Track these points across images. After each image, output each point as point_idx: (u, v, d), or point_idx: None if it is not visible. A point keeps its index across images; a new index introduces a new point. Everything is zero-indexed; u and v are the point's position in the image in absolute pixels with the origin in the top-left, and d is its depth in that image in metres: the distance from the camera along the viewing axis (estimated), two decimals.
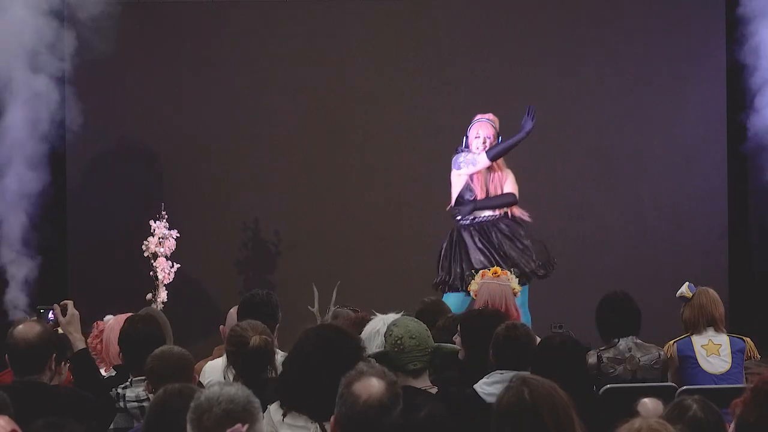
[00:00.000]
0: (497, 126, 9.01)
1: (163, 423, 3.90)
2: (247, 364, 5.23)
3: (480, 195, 9.03)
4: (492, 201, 9.02)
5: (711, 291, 6.91)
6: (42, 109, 9.51)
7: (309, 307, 8.10)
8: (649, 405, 4.67)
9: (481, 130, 8.95)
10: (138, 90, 10.70)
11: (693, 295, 6.86)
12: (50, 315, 5.62)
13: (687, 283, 6.92)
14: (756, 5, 9.81)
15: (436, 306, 6.95)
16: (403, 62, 10.84)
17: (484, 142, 8.93)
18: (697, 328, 6.81)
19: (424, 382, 5.07)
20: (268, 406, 4.57)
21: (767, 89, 9.94)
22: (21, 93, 9.38)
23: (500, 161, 9.03)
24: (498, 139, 8.99)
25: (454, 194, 9.04)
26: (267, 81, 10.82)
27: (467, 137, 8.97)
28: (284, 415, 4.50)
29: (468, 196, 9.03)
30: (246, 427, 3.51)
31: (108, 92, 10.64)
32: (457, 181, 9.05)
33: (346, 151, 10.84)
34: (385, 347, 5.06)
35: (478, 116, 9.02)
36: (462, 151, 9.00)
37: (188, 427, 3.56)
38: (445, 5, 10.92)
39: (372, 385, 3.75)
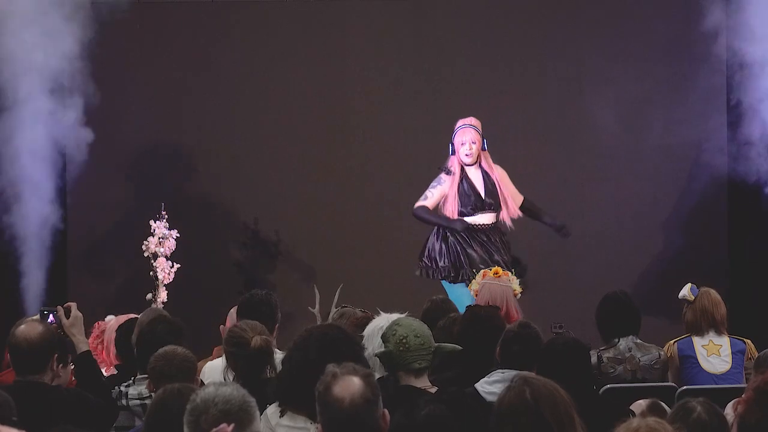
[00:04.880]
0: (480, 129, 9.06)
1: (162, 423, 3.89)
2: (248, 364, 5.23)
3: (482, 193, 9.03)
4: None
5: (713, 293, 6.91)
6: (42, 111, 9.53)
7: (310, 308, 8.08)
8: (641, 402, 4.71)
9: (466, 136, 9.01)
10: (137, 90, 10.68)
11: (695, 298, 6.86)
12: (50, 318, 5.60)
13: (690, 285, 6.91)
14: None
15: (444, 304, 6.96)
16: (403, 62, 10.83)
17: (471, 148, 8.99)
18: (699, 330, 6.82)
19: (424, 382, 5.08)
20: (266, 407, 4.56)
21: (766, 87, 9.95)
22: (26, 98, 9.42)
23: (488, 158, 9.05)
24: (483, 142, 9.03)
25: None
26: (267, 81, 10.80)
27: (452, 144, 9.04)
28: (282, 414, 4.49)
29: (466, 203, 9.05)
30: (232, 426, 3.49)
31: (107, 92, 10.62)
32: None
33: (346, 151, 10.82)
34: (387, 347, 5.07)
35: (461, 122, 9.09)
36: (446, 165, 9.02)
37: (185, 429, 3.55)
38: (445, 5, 10.91)
39: (352, 384, 3.71)
